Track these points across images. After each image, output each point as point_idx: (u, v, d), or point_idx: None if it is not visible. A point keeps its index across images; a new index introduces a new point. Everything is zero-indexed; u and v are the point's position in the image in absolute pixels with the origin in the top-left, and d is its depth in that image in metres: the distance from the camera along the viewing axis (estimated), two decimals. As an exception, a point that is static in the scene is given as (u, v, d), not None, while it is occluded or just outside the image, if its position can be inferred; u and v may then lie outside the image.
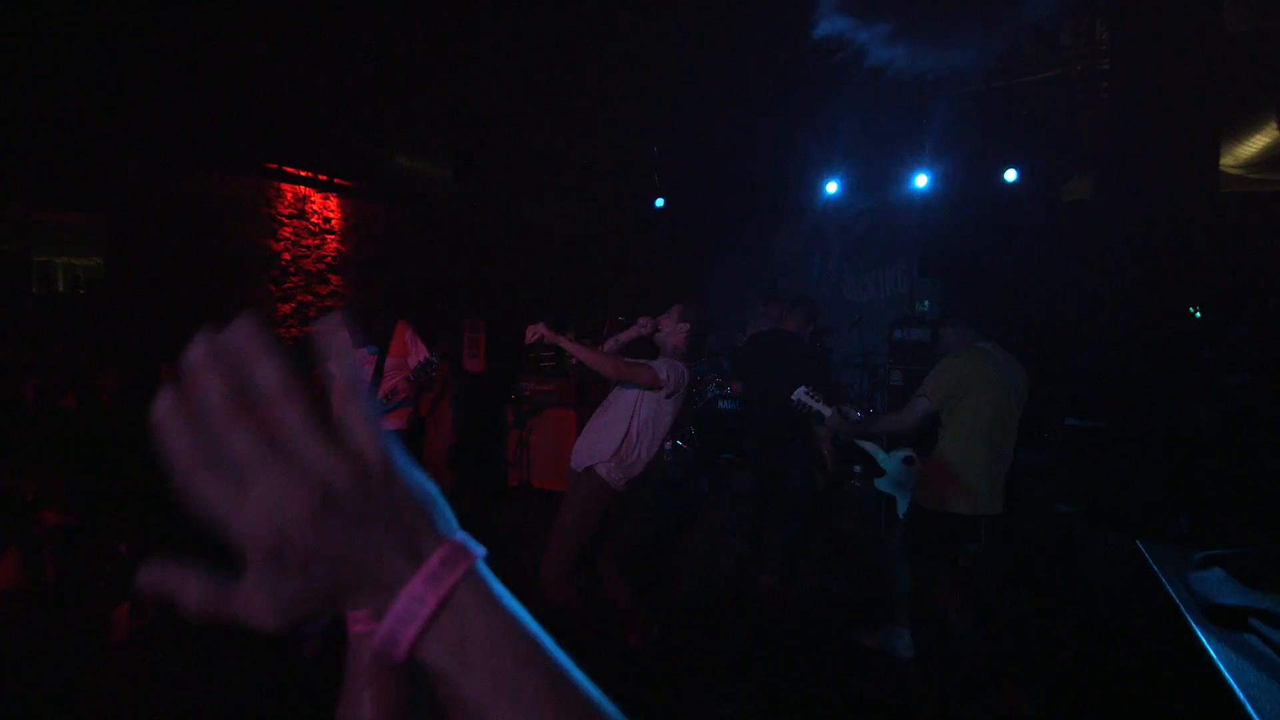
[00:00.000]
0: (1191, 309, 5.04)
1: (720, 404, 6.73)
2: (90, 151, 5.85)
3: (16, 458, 2.34)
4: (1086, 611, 3.51)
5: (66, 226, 6.16)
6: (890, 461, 4.15)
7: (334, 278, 8.58)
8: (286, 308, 8.04)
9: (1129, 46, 5.97)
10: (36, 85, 4.43)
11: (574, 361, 3.97)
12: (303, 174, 8.00)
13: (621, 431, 3.04)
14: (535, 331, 3.15)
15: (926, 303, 5.96)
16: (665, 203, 7.89)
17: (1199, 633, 1.86)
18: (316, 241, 8.36)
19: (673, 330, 3.24)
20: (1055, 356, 4.90)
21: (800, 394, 3.20)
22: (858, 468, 6.11)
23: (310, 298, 8.35)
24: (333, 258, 8.54)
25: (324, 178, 8.22)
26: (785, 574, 4.16)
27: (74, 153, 5.72)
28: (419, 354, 4.05)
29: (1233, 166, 5.80)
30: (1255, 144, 5.68)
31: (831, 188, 7.19)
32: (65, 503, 2.24)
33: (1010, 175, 6.36)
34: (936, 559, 3.08)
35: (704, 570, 4.49)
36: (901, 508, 3.70)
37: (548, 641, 0.38)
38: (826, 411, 3.13)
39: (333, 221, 8.53)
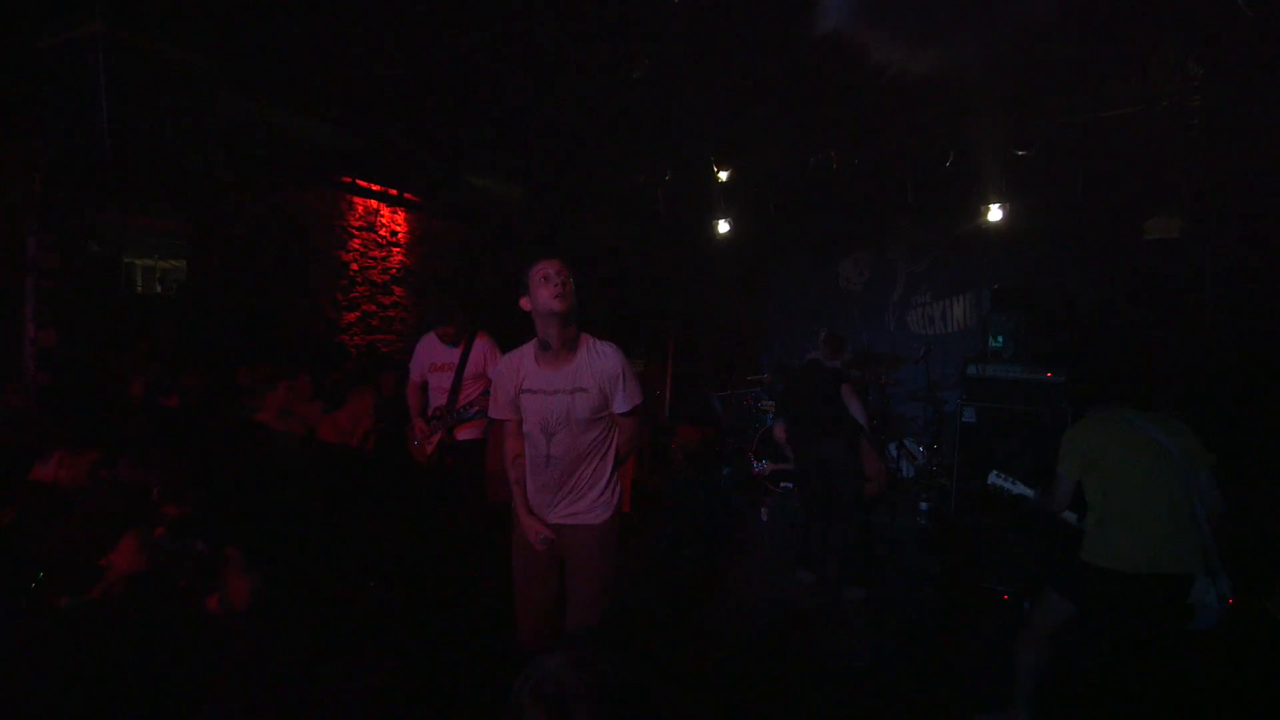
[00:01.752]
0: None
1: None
2: (167, 156, 6.07)
3: (137, 451, 2.40)
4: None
5: (153, 231, 6.41)
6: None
7: (397, 289, 8.77)
8: (351, 316, 8.24)
9: (1222, 81, 5.78)
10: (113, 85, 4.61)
11: None
12: (374, 188, 8.24)
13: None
14: None
15: (1000, 338, 5.79)
16: (730, 227, 7.87)
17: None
18: (383, 253, 8.57)
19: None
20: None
21: (994, 479, 3.07)
22: (924, 504, 5.95)
23: (374, 307, 8.54)
24: (397, 269, 8.74)
25: (394, 192, 8.45)
26: (864, 582, 4.29)
27: (163, 162, 5.94)
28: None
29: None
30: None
31: (901, 218, 7.10)
32: (184, 496, 2.29)
33: (1091, 211, 6.20)
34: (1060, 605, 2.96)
35: (767, 596, 4.39)
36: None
37: None
38: (1030, 493, 3.04)
39: (399, 235, 8.74)
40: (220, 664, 1.85)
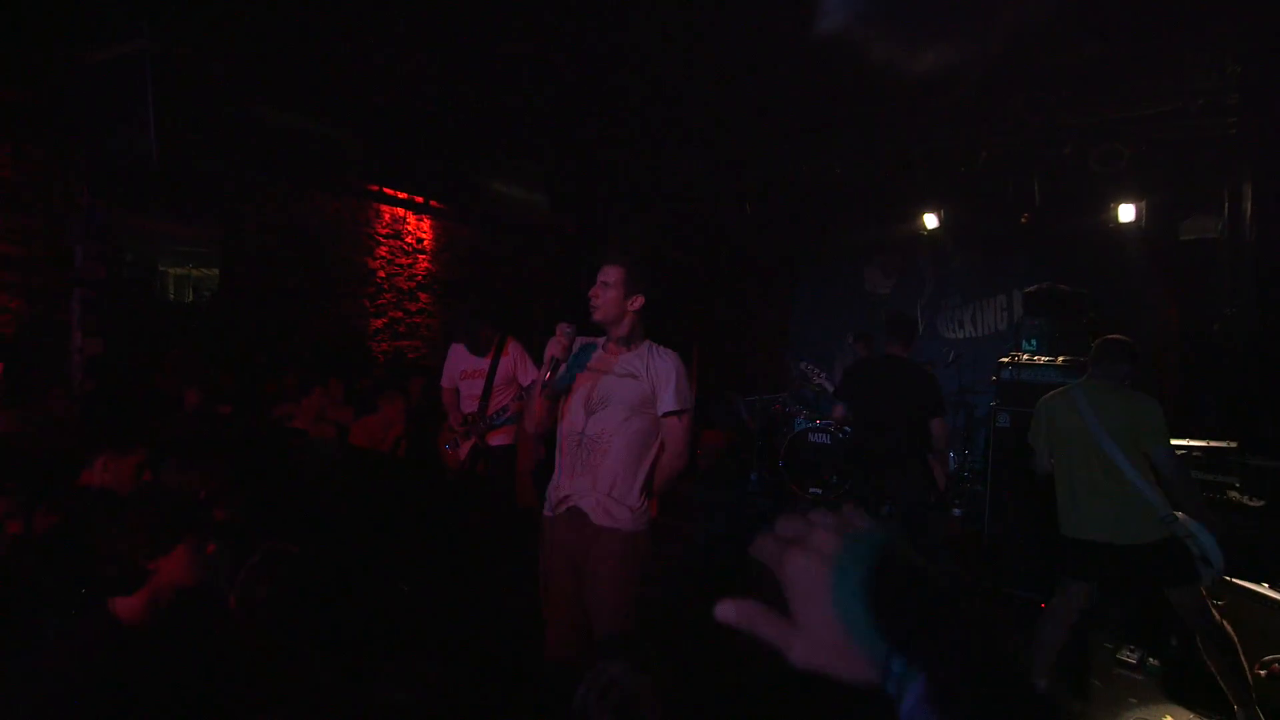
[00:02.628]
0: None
1: (810, 437, 6.58)
2: (207, 166, 6.18)
3: (183, 454, 2.45)
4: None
5: (187, 239, 6.52)
6: None
7: (423, 295, 8.86)
8: (379, 322, 8.33)
9: (1260, 79, 5.66)
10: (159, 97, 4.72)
11: None
12: (401, 196, 8.34)
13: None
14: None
15: (1034, 342, 5.70)
16: (759, 232, 7.85)
17: None
18: (409, 260, 8.67)
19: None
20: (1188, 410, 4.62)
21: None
22: (957, 510, 5.86)
23: (400, 314, 8.64)
24: (423, 276, 8.83)
25: (420, 200, 8.55)
26: None
27: (192, 167, 6.03)
28: (529, 372, 4.09)
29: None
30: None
31: (929, 221, 7.03)
32: (230, 501, 2.33)
33: (1126, 212, 6.09)
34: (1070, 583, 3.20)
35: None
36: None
37: None
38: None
39: (425, 242, 8.84)
40: (261, 669, 1.87)
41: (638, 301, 2.51)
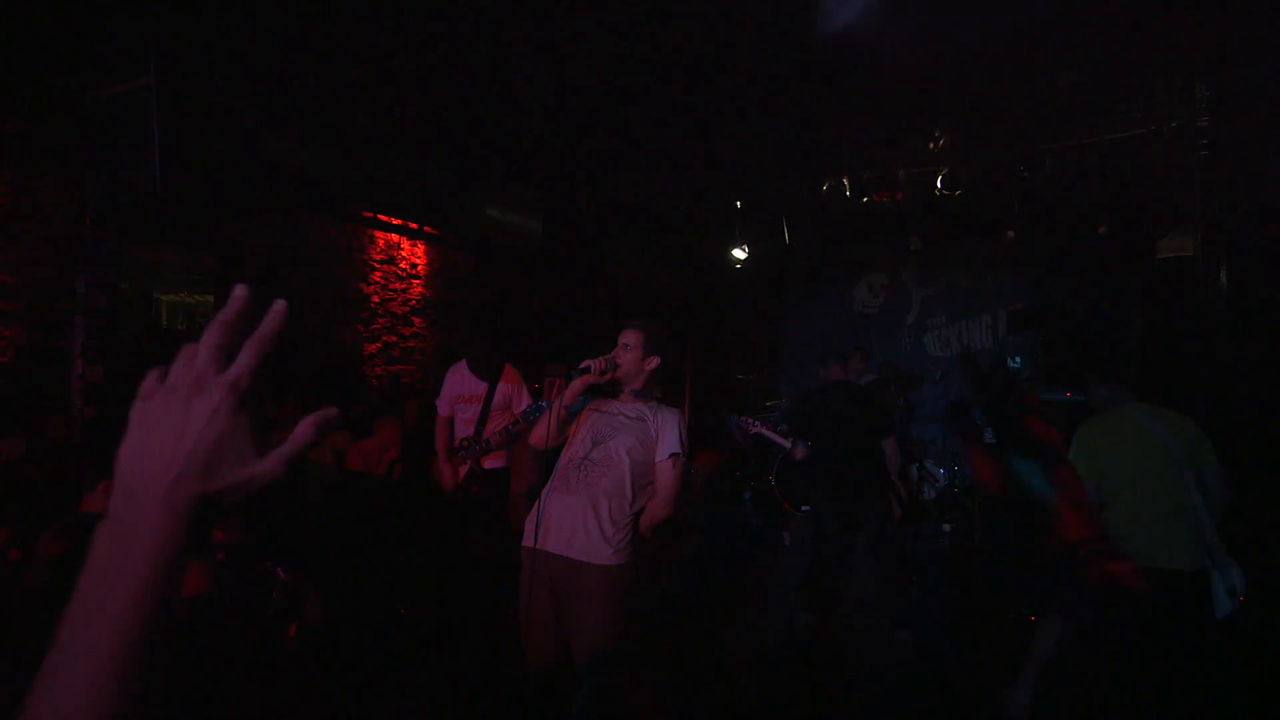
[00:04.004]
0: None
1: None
2: (210, 197, 6.27)
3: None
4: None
5: (181, 266, 6.58)
6: None
7: (417, 320, 8.93)
8: (373, 347, 8.38)
9: (1229, 103, 5.87)
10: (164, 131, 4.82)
11: None
12: (394, 222, 8.43)
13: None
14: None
15: (1018, 359, 5.83)
16: (747, 254, 8.01)
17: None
18: (403, 286, 8.74)
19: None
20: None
21: None
22: (946, 527, 5.93)
23: (395, 338, 8.69)
24: (417, 301, 8.90)
25: (414, 226, 8.64)
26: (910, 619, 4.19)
27: (196, 198, 6.13)
28: (523, 399, 4.17)
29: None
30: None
31: (915, 242, 7.19)
32: (229, 522, 2.38)
33: (1103, 232, 6.28)
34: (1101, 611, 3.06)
35: (790, 620, 4.39)
36: None
37: None
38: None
39: (419, 267, 8.92)
40: (282, 686, 1.92)
41: (653, 362, 2.78)
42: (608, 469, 2.57)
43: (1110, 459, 3.01)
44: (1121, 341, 6.34)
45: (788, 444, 4.93)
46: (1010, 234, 6.63)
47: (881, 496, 4.15)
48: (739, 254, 8.03)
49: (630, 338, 2.76)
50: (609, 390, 2.82)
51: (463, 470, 4.19)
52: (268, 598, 2.02)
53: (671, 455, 2.63)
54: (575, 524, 2.52)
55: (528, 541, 2.61)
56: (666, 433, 2.65)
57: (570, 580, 2.50)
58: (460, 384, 4.28)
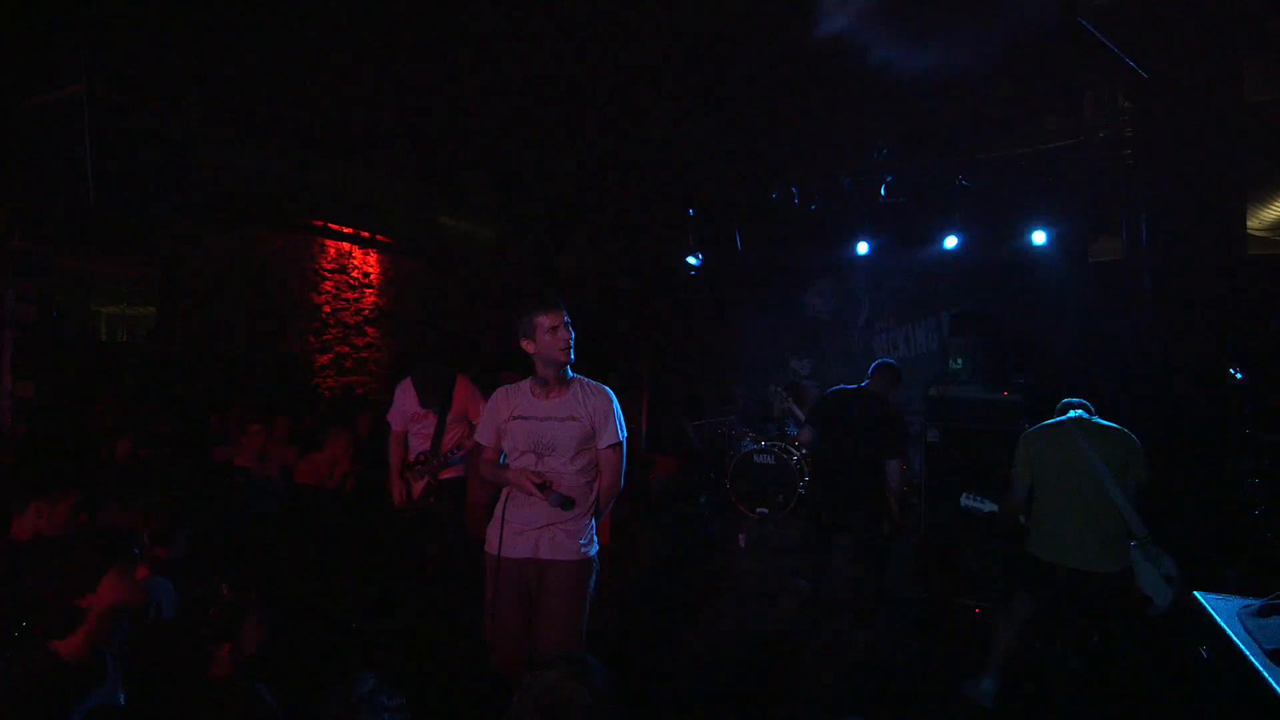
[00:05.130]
0: (1232, 370, 5.11)
1: (756, 458, 6.76)
2: (146, 206, 6.11)
3: (121, 497, 2.44)
4: (1149, 657, 3.52)
5: (121, 278, 6.37)
6: None
7: (370, 330, 8.80)
8: (324, 358, 8.23)
9: (1150, 114, 6.19)
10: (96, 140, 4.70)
11: None
12: (346, 230, 8.32)
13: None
14: None
15: (960, 360, 6.04)
16: (700, 260, 8.11)
17: (1265, 674, 1.98)
18: (355, 295, 8.62)
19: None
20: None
21: (966, 500, 3.52)
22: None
23: (347, 349, 8.55)
24: (370, 310, 8.78)
25: (366, 234, 8.53)
26: (868, 621, 4.32)
27: (131, 207, 5.97)
28: (479, 408, 4.14)
29: (1258, 230, 5.93)
30: (1279, 208, 5.83)
31: (862, 248, 7.39)
32: (172, 539, 2.33)
33: (1039, 238, 6.54)
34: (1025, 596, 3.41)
35: (748, 623, 4.46)
36: None
37: None
38: (996, 508, 3.48)
39: (371, 276, 8.80)
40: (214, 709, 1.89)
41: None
42: (560, 478, 2.59)
43: (1042, 466, 3.33)
44: (1056, 342, 6.62)
45: (803, 418, 5.33)
46: (951, 240, 6.87)
47: (874, 506, 4.30)
48: (692, 260, 8.13)
49: (563, 315, 2.61)
50: (543, 375, 2.64)
51: (419, 485, 4.14)
52: (204, 615, 1.97)
53: (611, 446, 2.65)
54: (539, 529, 2.58)
55: (492, 549, 2.63)
56: (604, 425, 2.64)
57: (540, 579, 2.58)
58: (411, 401, 4.21)
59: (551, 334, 2.56)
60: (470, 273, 9.51)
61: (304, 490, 4.73)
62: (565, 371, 2.64)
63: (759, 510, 6.61)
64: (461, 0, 4.70)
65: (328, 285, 8.27)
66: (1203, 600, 2.66)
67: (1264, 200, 5.93)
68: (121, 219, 5.54)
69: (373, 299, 8.82)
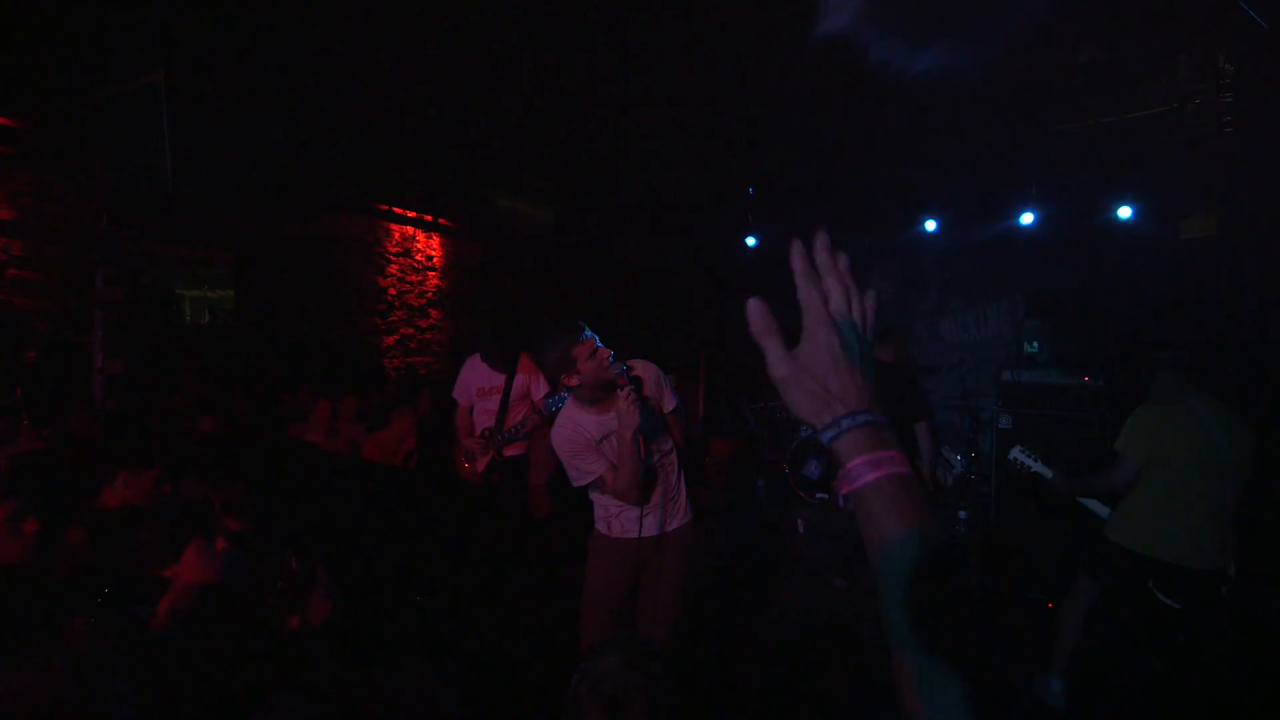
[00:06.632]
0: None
1: (815, 444, 6.62)
2: (224, 195, 6.36)
3: (199, 469, 2.57)
4: (1237, 660, 3.30)
5: (201, 262, 6.68)
6: None
7: (433, 311, 9.00)
8: (390, 339, 8.47)
9: (1254, 77, 5.70)
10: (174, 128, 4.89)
11: None
12: (410, 215, 8.50)
13: None
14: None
15: (1036, 344, 5.74)
16: (758, 242, 7.96)
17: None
18: (419, 278, 8.81)
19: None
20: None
21: (1016, 453, 3.20)
22: (963, 513, 5.88)
23: (411, 330, 8.77)
24: (433, 293, 8.97)
25: (429, 218, 8.71)
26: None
27: (208, 194, 6.21)
28: (541, 387, 4.19)
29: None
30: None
31: (930, 225, 7.10)
32: (243, 511, 2.44)
33: (1125, 213, 6.14)
34: (1115, 593, 3.10)
35: (806, 608, 4.39)
36: None
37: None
38: (1048, 473, 3.15)
39: (434, 259, 8.98)
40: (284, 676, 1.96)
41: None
42: (671, 461, 2.79)
43: (1161, 447, 2.94)
44: (1143, 325, 6.22)
45: None
46: (1028, 216, 6.52)
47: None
48: (750, 241, 7.99)
49: (593, 347, 2.60)
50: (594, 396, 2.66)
51: (483, 461, 4.22)
52: (272, 587, 2.05)
53: (672, 412, 2.80)
54: (671, 504, 2.78)
55: (630, 533, 2.73)
56: (664, 394, 2.78)
57: (658, 550, 2.77)
58: (477, 377, 4.32)
59: (593, 358, 2.56)
60: (529, 255, 9.60)
61: (371, 466, 4.88)
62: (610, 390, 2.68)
63: (818, 495, 6.49)
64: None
65: (393, 269, 8.48)
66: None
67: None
68: (200, 206, 5.79)
69: (435, 281, 9.00)
